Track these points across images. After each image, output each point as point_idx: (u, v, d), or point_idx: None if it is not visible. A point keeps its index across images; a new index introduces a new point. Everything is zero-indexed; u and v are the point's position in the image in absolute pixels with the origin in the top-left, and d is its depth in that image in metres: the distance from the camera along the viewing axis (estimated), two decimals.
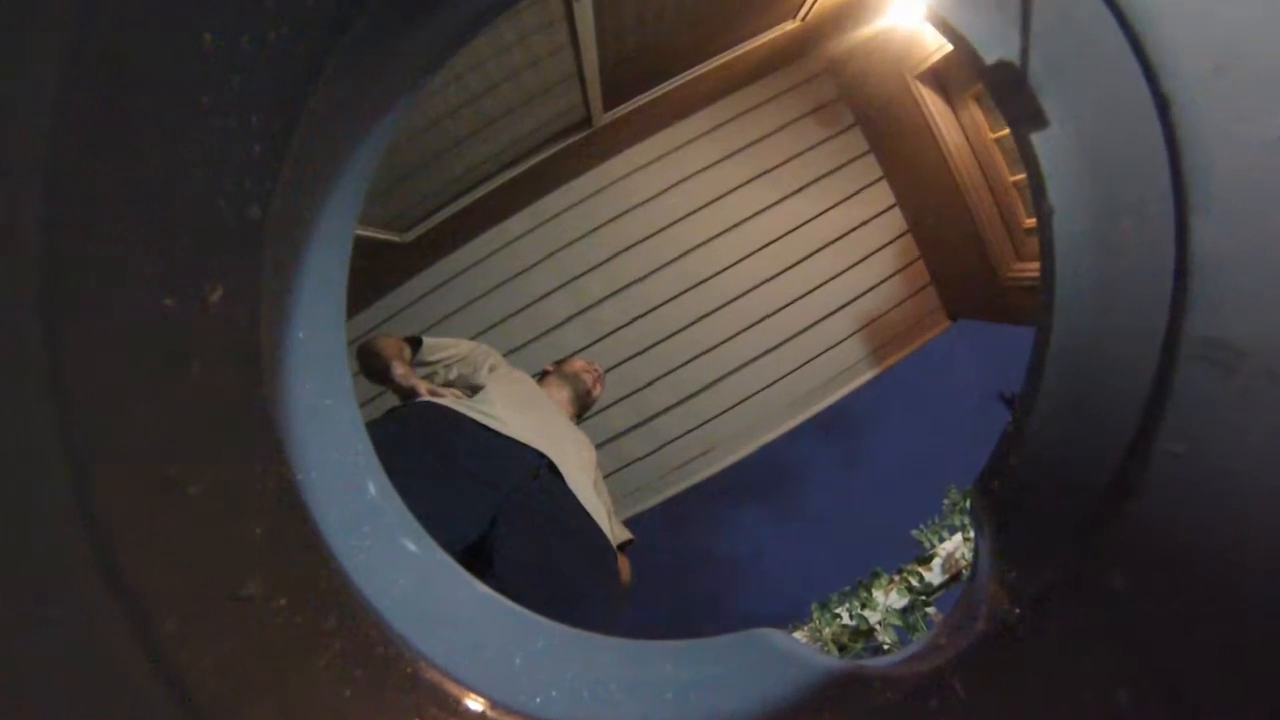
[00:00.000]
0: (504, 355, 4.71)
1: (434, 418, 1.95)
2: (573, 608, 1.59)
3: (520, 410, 2.22)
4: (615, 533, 2.29)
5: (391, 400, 2.24)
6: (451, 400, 2.09)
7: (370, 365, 2.33)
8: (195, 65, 0.70)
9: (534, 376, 2.90)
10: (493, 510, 1.74)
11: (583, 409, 2.88)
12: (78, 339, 0.65)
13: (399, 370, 2.21)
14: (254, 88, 0.75)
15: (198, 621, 0.72)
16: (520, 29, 3.32)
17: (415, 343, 2.45)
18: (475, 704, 0.90)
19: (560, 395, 2.78)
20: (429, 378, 2.41)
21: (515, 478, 1.85)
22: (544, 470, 1.96)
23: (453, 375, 2.48)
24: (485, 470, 1.80)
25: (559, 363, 3.02)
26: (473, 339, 4.74)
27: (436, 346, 2.48)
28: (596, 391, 2.93)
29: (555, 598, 1.58)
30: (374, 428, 1.76)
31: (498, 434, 1.95)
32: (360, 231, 3.62)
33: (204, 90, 0.71)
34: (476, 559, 1.66)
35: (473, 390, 2.40)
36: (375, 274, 4.70)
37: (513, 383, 2.48)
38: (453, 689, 0.90)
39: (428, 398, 2.08)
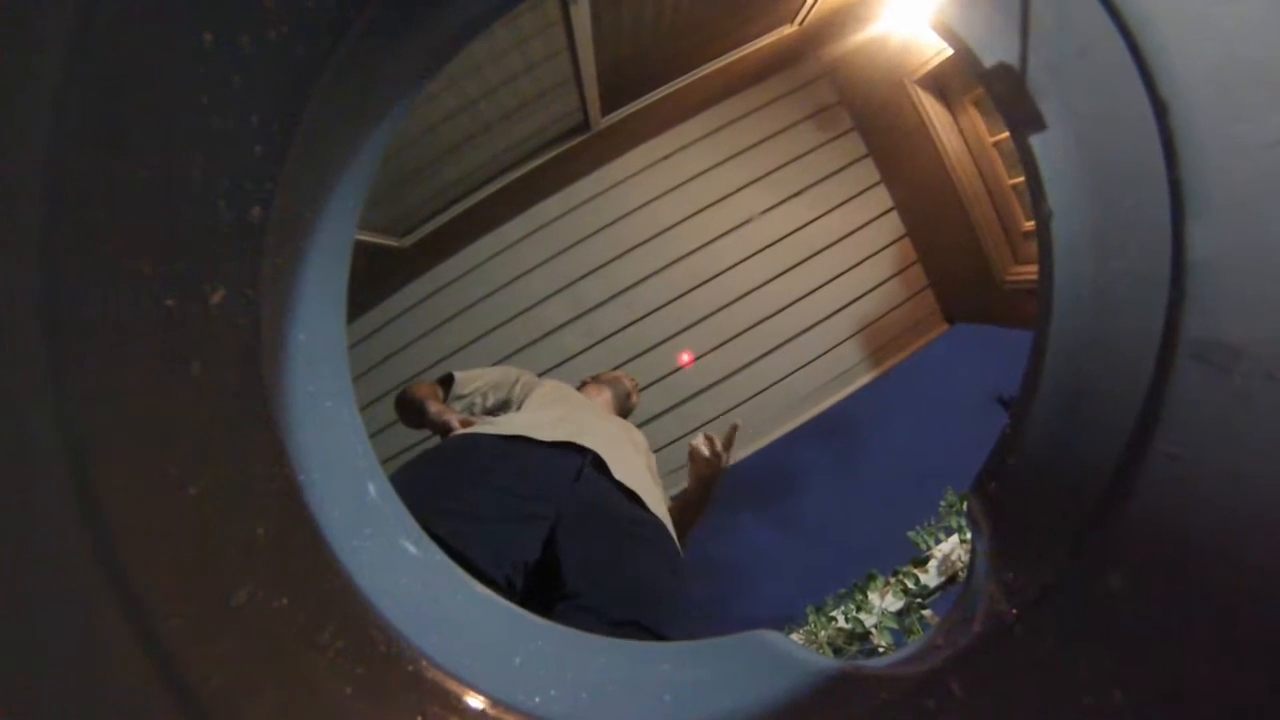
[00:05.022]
0: (505, 359, 4.75)
1: (465, 448, 1.88)
2: (653, 608, 1.53)
3: (552, 413, 2.19)
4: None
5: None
6: (484, 424, 2.04)
7: (407, 412, 2.34)
8: (195, 65, 0.70)
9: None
10: (547, 524, 1.65)
11: (624, 414, 2.84)
12: (78, 339, 0.65)
13: (433, 408, 2.19)
14: (254, 88, 0.75)
15: (199, 621, 0.72)
16: (518, 33, 3.33)
17: (448, 381, 2.44)
18: (476, 702, 0.90)
19: (601, 397, 2.77)
20: (468, 411, 2.39)
21: (560, 484, 1.77)
22: (588, 468, 1.88)
23: (490, 403, 2.46)
24: (526, 486, 1.71)
25: (595, 375, 3.01)
26: (471, 343, 4.78)
27: (468, 379, 2.46)
28: (635, 399, 2.92)
29: (631, 598, 1.53)
30: (408, 474, 1.71)
31: (531, 443, 1.88)
32: (359, 236, 3.61)
33: (204, 90, 0.71)
34: (551, 586, 1.55)
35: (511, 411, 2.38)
36: (374, 278, 4.70)
37: (545, 390, 2.45)
38: (453, 687, 0.90)
39: (460, 430, 2.03)
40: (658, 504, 1.96)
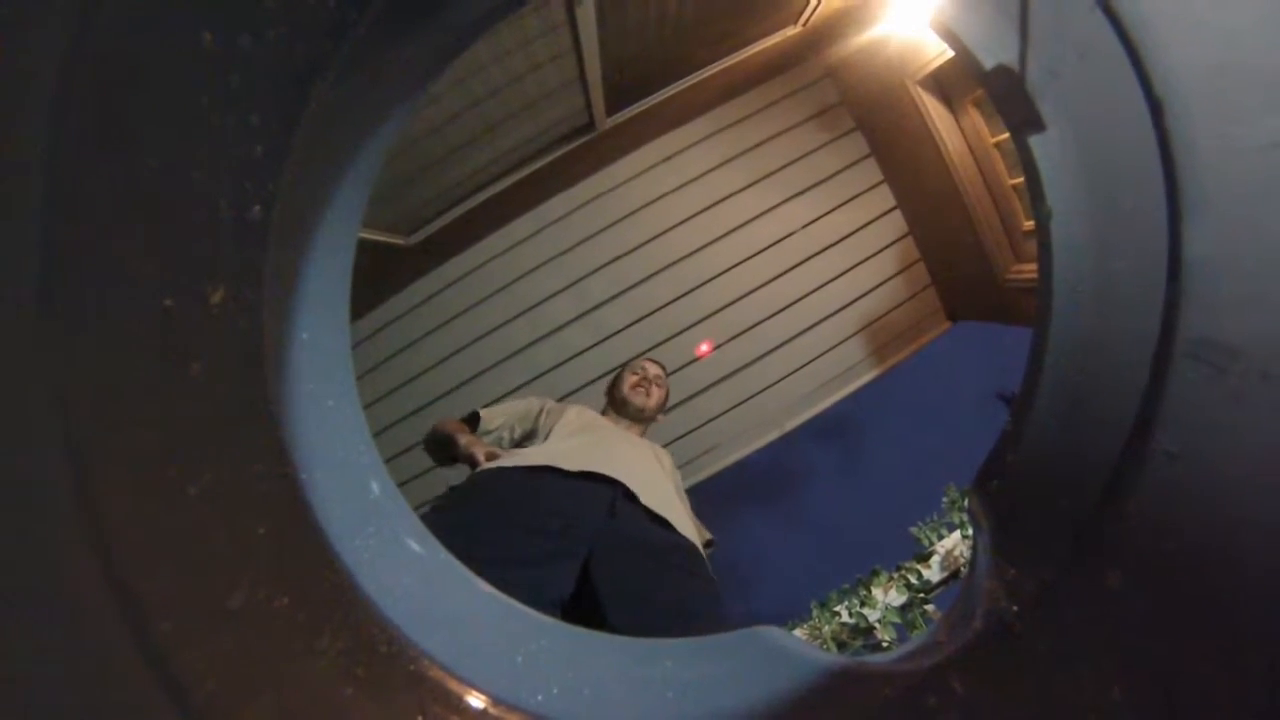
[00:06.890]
0: (510, 357, 4.75)
1: (491, 484, 1.88)
2: (695, 632, 1.54)
3: (578, 440, 2.21)
4: (699, 533, 2.21)
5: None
6: (510, 457, 2.03)
7: (438, 450, 2.36)
8: (195, 65, 0.70)
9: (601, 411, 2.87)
10: (581, 557, 1.65)
11: (648, 422, 2.84)
12: (78, 339, 0.65)
13: (463, 440, 2.22)
14: (254, 88, 0.76)
15: (198, 621, 0.73)
16: (523, 34, 3.33)
17: (474, 419, 2.47)
18: (477, 701, 0.90)
19: (621, 422, 2.76)
20: (497, 445, 2.40)
21: (593, 518, 1.76)
22: (619, 499, 1.86)
23: (517, 435, 2.49)
24: (556, 520, 1.70)
25: (610, 388, 2.97)
26: (476, 341, 4.78)
27: (493, 415, 2.49)
28: (652, 400, 2.84)
29: (674, 625, 1.53)
30: (437, 520, 1.67)
31: (562, 474, 1.87)
32: (364, 235, 3.62)
33: (204, 90, 0.71)
34: (589, 617, 1.54)
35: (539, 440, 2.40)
36: (379, 277, 4.71)
37: (570, 417, 2.46)
38: (455, 686, 0.90)
39: (486, 464, 2.02)
40: (686, 527, 1.97)
